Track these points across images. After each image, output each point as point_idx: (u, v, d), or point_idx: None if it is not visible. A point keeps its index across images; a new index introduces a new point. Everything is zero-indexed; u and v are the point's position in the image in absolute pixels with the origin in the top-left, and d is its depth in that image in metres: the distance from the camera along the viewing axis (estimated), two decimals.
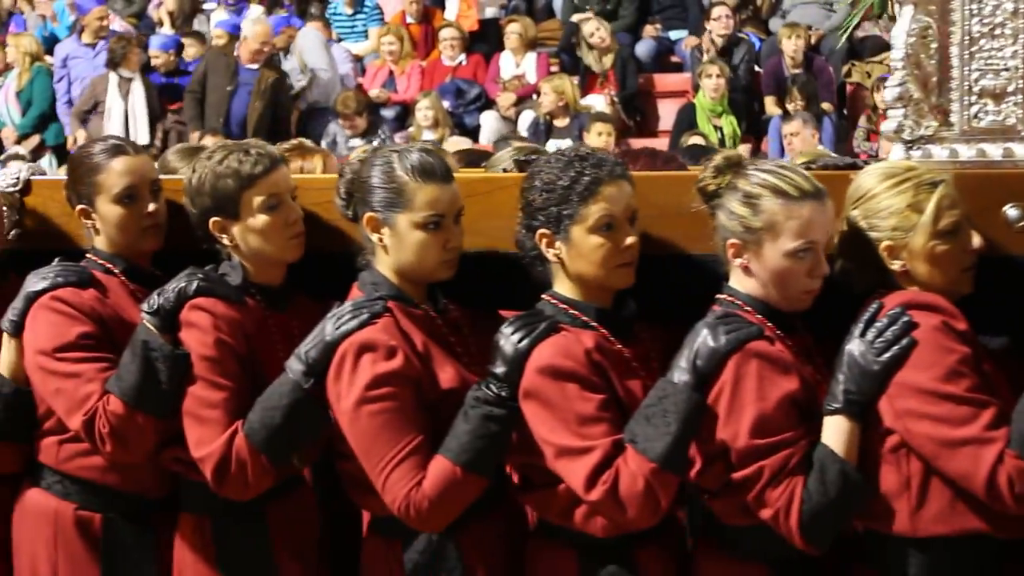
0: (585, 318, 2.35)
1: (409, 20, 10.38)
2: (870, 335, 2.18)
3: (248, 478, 2.37)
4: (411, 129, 9.09)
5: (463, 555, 2.39)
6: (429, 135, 8.59)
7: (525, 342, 2.28)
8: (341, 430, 2.36)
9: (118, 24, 10.29)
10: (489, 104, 9.64)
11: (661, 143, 8.84)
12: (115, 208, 2.57)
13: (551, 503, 2.37)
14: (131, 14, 10.71)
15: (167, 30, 10.37)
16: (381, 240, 2.42)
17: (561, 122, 8.67)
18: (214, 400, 2.40)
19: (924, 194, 2.24)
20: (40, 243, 2.78)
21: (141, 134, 8.77)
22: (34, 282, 2.54)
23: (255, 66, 9.20)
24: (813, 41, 9.44)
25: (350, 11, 10.64)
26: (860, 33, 9.46)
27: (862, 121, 8.75)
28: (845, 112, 9.29)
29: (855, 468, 2.13)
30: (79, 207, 2.63)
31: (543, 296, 2.41)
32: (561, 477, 2.28)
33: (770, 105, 9.05)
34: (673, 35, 10.15)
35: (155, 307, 2.44)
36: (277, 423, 2.34)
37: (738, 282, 2.33)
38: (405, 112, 9.67)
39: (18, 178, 2.82)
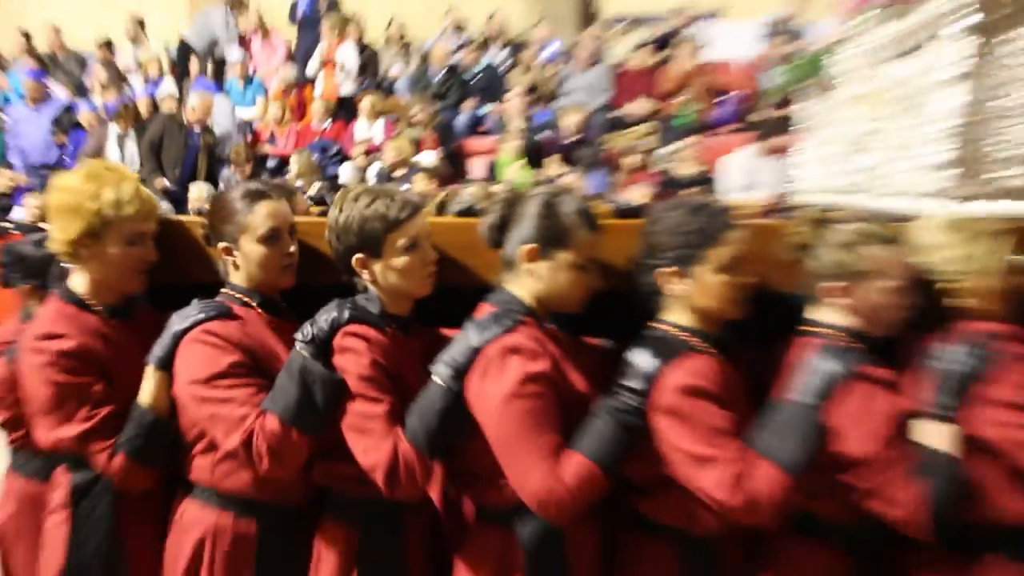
0: (699, 342, 2.37)
1: (287, 93, 11.09)
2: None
3: (417, 478, 2.30)
4: (288, 176, 9.60)
5: (566, 542, 2.37)
6: (299, 182, 9.25)
7: (661, 359, 2.30)
8: (478, 427, 2.31)
9: (61, 92, 10.98)
10: (346, 158, 10.25)
11: None
12: (259, 247, 2.53)
13: (668, 506, 2.39)
14: (70, 83, 11.30)
15: (97, 97, 10.98)
16: (533, 271, 2.42)
17: (399, 172, 9.19)
18: (376, 413, 2.33)
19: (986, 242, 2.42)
20: (162, 277, 2.70)
21: None
22: (180, 320, 2.49)
23: (198, 129, 10.03)
24: (587, 115, 10.15)
25: (242, 85, 11.41)
26: (619, 112, 10.57)
27: (617, 177, 9.44)
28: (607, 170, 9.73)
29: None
30: (221, 245, 2.57)
31: (656, 324, 2.45)
32: (692, 484, 2.25)
33: (553, 164, 9.64)
34: (485, 109, 10.97)
35: (310, 336, 2.40)
36: (435, 424, 2.30)
37: (833, 317, 2.45)
38: (283, 163, 10.27)
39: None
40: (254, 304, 2.58)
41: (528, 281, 2.42)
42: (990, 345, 2.33)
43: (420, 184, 8.45)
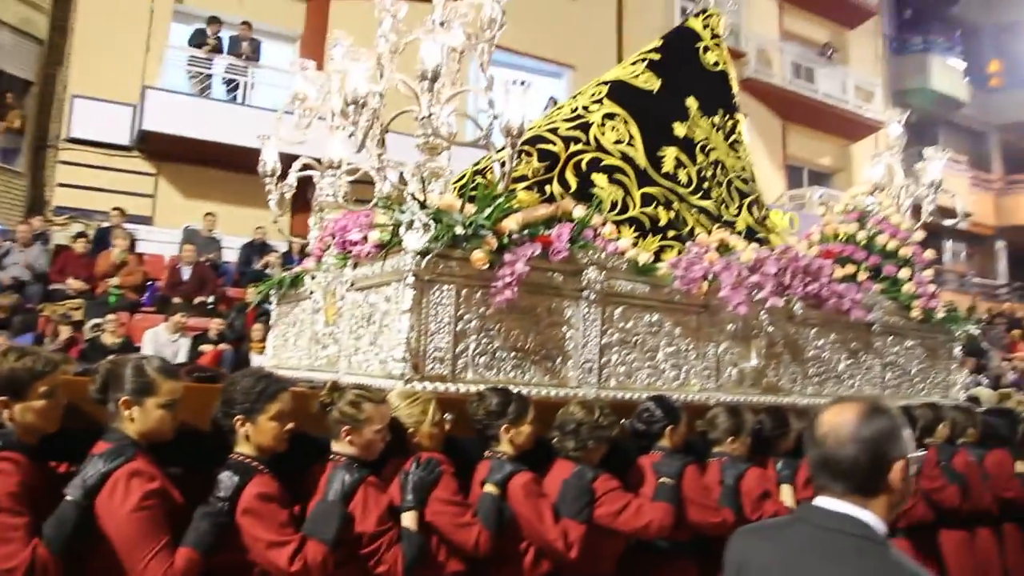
0: (262, 466, 2.67)
1: None
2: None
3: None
4: None
5: None
6: None
7: (239, 478, 2.56)
8: (106, 534, 2.35)
9: None
10: None
11: None
12: None
13: None
14: None
15: None
16: (131, 416, 2.55)
17: None
18: (18, 524, 2.28)
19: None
20: None
21: None
22: None
23: None
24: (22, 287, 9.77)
25: None
26: (56, 286, 10.14)
27: (49, 341, 8.91)
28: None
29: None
30: None
31: (233, 454, 2.69)
32: (267, 562, 2.52)
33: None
34: None
35: None
36: (68, 532, 2.32)
37: (346, 448, 2.86)
38: None
39: None
40: None
41: (129, 424, 2.55)
42: (434, 465, 2.95)
43: None
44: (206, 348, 9.50)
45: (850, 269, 5.24)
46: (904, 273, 5.42)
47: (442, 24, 3.71)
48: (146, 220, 12.80)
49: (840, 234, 5.61)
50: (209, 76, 13.42)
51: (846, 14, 21.76)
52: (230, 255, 12.25)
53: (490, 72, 4.00)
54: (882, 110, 20.76)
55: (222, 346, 9.59)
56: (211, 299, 10.79)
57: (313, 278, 4.53)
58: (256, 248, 12.01)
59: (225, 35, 13.89)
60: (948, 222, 5.90)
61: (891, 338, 5.41)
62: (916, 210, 5.98)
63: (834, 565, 1.60)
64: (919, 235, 5.67)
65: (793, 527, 1.75)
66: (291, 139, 4.82)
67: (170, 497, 2.49)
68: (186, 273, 10.82)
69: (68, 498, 2.36)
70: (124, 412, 2.53)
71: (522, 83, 3.81)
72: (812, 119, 20.52)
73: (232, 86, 13.59)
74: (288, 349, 4.85)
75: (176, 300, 10.35)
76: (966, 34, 25.29)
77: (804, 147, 21.02)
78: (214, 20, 13.69)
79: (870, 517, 1.64)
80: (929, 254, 5.67)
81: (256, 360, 9.13)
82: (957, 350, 5.85)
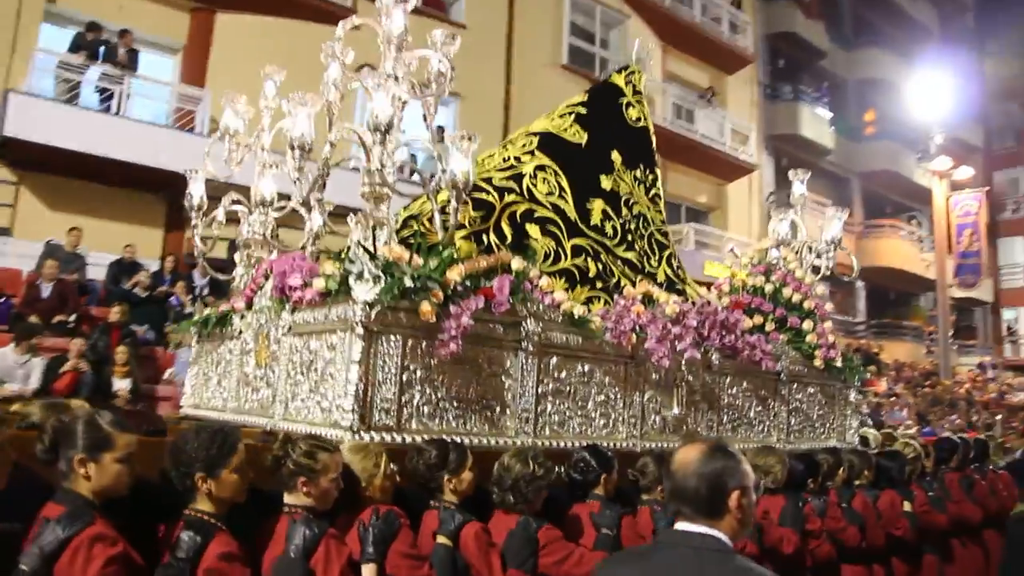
0: (221, 524, 2.67)
1: None
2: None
3: None
4: None
5: None
6: None
7: (200, 538, 2.57)
8: None
9: None
10: None
11: None
12: None
13: None
14: None
15: None
16: (87, 474, 2.50)
17: None
18: None
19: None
20: None
21: None
22: None
23: None
24: None
25: None
26: None
27: None
28: None
29: None
30: None
31: (191, 510, 2.68)
32: None
33: None
34: None
35: None
36: None
37: (301, 500, 2.91)
38: None
39: None
40: None
41: (84, 482, 2.50)
42: (394, 518, 3.00)
43: None
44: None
45: (758, 320, 5.64)
46: (807, 324, 5.88)
47: (397, 79, 3.82)
48: (4, 231, 12.12)
49: (748, 284, 6.02)
50: (79, 83, 12.78)
51: (724, 60, 23.11)
52: (96, 272, 11.68)
53: (435, 124, 4.14)
54: (755, 153, 22.41)
55: (82, 366, 9.04)
56: (72, 318, 10.23)
57: (243, 318, 4.50)
58: (125, 267, 11.53)
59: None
60: (845, 278, 6.41)
61: (795, 385, 5.87)
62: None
63: (696, 574, 1.91)
64: (821, 289, 6.17)
65: (656, 550, 2.06)
66: (221, 173, 4.78)
67: (131, 561, 2.46)
68: (46, 290, 10.29)
69: (23, 568, 2.28)
70: (79, 470, 2.47)
71: (469, 138, 3.97)
72: (691, 158, 21.61)
73: (106, 95, 12.97)
74: (210, 389, 4.77)
75: (33, 318, 9.79)
76: (832, 86, 27.32)
77: (683, 185, 22.06)
78: (94, 26, 13.08)
79: (719, 534, 1.96)
80: (829, 307, 6.17)
81: (118, 384, 8.87)
82: (852, 396, 6.38)
